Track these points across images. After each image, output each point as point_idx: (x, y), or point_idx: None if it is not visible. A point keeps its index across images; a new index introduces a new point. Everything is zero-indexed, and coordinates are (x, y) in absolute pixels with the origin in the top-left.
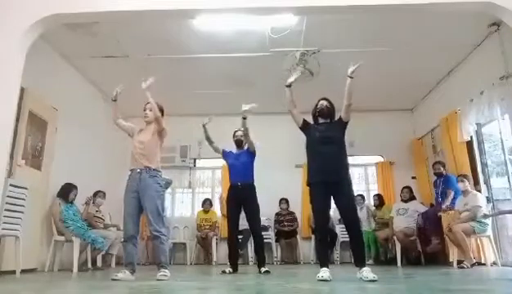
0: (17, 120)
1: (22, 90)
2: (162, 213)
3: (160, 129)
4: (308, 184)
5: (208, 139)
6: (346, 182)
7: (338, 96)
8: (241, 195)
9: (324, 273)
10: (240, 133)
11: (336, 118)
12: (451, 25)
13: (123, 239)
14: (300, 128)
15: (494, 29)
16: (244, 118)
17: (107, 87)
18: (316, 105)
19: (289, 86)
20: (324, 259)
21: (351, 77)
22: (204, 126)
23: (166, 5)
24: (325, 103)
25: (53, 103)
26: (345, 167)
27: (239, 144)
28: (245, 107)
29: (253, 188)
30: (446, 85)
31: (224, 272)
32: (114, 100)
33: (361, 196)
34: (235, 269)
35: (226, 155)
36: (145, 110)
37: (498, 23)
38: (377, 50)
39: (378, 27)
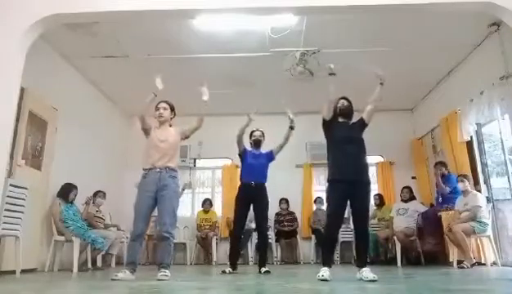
0: (17, 120)
1: (22, 90)
2: (176, 215)
3: (189, 136)
4: (330, 181)
5: (243, 131)
6: (367, 183)
7: (336, 96)
8: (253, 194)
9: (324, 272)
10: (258, 133)
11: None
12: (451, 25)
13: (130, 238)
14: (325, 122)
15: (494, 29)
16: (292, 128)
17: (107, 87)
18: (336, 104)
19: (333, 73)
20: (328, 258)
21: (382, 84)
22: (249, 118)
23: (166, 5)
24: (346, 102)
25: (53, 103)
26: (366, 167)
27: (257, 143)
28: (291, 115)
29: (264, 187)
30: (446, 85)
31: (224, 272)
32: (156, 95)
33: None
34: (234, 269)
35: (245, 153)
36: (158, 110)
37: (498, 23)
38: (377, 50)
39: (378, 27)
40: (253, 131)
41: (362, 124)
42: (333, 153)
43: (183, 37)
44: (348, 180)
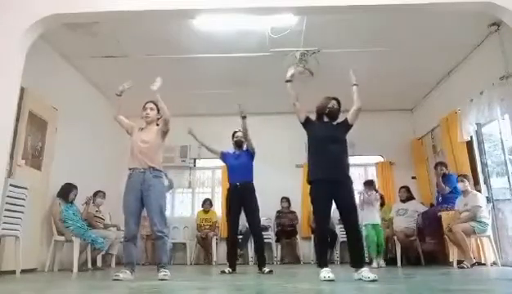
0: (17, 120)
1: (22, 90)
2: (165, 213)
3: (166, 130)
4: (309, 181)
5: (202, 144)
6: (348, 182)
7: (336, 96)
8: (241, 195)
9: (327, 273)
10: (240, 134)
11: (340, 119)
12: (451, 25)
13: (124, 239)
14: (302, 123)
15: (494, 29)
16: (244, 117)
17: (107, 87)
18: (327, 104)
19: (288, 81)
20: (324, 259)
21: (356, 85)
22: (190, 133)
23: (166, 5)
24: (336, 105)
25: (53, 103)
26: (348, 167)
27: (239, 144)
28: (241, 107)
29: (252, 187)
30: (446, 85)
31: (224, 272)
32: (119, 95)
33: (372, 182)
34: (234, 270)
35: (224, 156)
36: (145, 110)
37: (498, 23)
38: (377, 50)
39: (378, 27)
40: (235, 132)
41: (347, 125)
42: (315, 153)
43: (183, 37)
44: (330, 180)
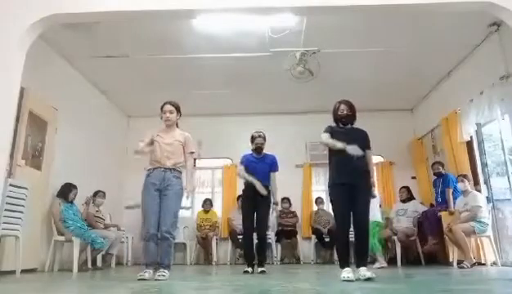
0: (17, 120)
1: (22, 90)
2: (177, 216)
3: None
4: (332, 185)
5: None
6: (367, 186)
7: (336, 96)
8: (257, 196)
9: (348, 273)
10: (260, 141)
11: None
12: (451, 25)
13: (144, 238)
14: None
15: (494, 29)
16: (276, 204)
17: (107, 87)
18: (336, 111)
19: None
20: (346, 259)
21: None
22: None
23: (166, 5)
24: (345, 111)
25: (53, 103)
26: (367, 172)
27: (259, 151)
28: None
29: (268, 191)
30: (446, 85)
31: (247, 272)
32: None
33: None
34: (253, 268)
35: (246, 160)
36: (165, 113)
37: (498, 23)
38: (377, 50)
39: (378, 27)
40: (254, 137)
41: (365, 143)
42: (334, 157)
43: (183, 38)
44: (350, 184)
